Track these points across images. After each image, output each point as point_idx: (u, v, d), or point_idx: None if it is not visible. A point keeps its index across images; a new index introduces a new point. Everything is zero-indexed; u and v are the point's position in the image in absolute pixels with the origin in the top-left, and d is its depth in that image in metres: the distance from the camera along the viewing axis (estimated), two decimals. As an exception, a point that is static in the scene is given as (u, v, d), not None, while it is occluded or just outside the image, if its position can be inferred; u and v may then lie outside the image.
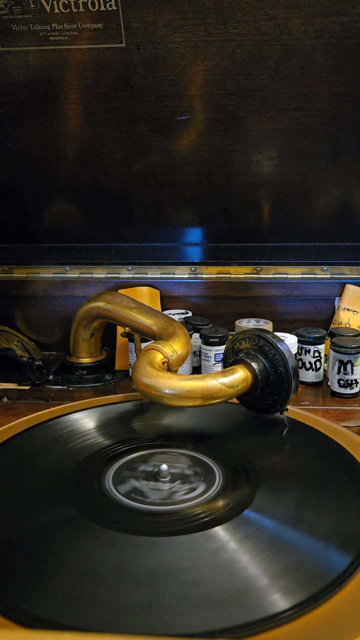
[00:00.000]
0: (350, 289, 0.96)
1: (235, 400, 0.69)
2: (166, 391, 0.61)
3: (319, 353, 0.85)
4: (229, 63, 0.79)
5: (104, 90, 0.83)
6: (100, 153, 0.91)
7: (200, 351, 0.89)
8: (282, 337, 0.83)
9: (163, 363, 0.68)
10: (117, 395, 0.79)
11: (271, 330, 0.91)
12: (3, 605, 0.40)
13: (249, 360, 0.65)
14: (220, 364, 0.85)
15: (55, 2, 0.74)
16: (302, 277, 0.98)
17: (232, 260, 1.00)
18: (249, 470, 0.57)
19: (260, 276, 0.99)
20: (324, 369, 0.87)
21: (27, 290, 1.02)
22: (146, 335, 0.81)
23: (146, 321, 0.80)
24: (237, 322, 0.92)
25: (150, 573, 0.43)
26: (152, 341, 0.73)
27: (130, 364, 0.90)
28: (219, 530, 0.48)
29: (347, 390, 0.81)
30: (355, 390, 0.81)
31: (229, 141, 0.88)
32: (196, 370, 0.91)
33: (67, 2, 0.74)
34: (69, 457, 0.61)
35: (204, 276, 0.99)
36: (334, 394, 0.82)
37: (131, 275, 1.00)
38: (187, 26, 0.75)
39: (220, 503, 0.52)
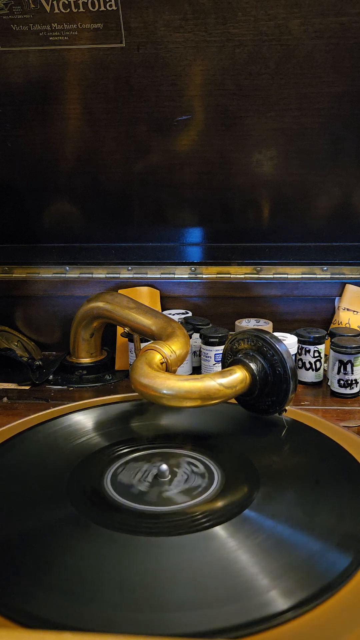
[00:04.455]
0: (350, 289, 0.96)
1: (234, 401, 0.69)
2: (164, 392, 0.61)
3: (319, 353, 0.85)
4: (229, 63, 0.79)
5: (104, 90, 0.83)
6: (100, 153, 0.91)
7: (200, 351, 0.89)
8: (282, 337, 0.83)
9: (162, 363, 0.68)
10: (117, 396, 0.79)
11: (271, 330, 0.92)
12: (3, 605, 0.40)
13: (247, 361, 0.65)
14: (220, 364, 0.85)
15: (55, 2, 0.74)
16: (302, 277, 0.98)
17: (232, 260, 1.00)
18: (248, 471, 0.57)
19: (260, 276, 0.99)
20: (324, 369, 0.87)
21: (27, 290, 1.02)
22: (145, 336, 0.81)
23: (145, 321, 0.80)
24: (237, 322, 0.92)
25: (150, 573, 0.43)
26: (151, 341, 0.73)
27: (130, 364, 0.90)
28: (219, 530, 0.48)
29: (347, 390, 0.81)
30: (355, 390, 0.81)
31: (229, 141, 0.88)
32: (196, 370, 0.91)
33: (67, 2, 0.74)
34: (69, 457, 0.61)
35: (204, 276, 0.99)
36: (334, 394, 0.82)
37: (131, 275, 1.00)
38: (187, 26, 0.75)
39: (220, 503, 0.52)
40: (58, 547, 0.46)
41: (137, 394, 0.65)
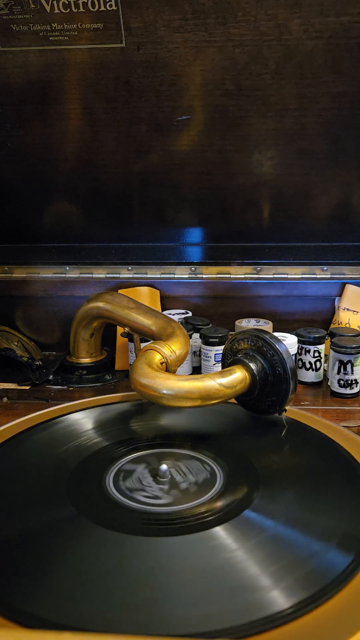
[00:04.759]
0: (350, 289, 0.96)
1: (234, 401, 0.69)
2: (164, 392, 0.61)
3: (319, 353, 0.85)
4: (229, 63, 0.79)
5: (104, 90, 0.83)
6: (100, 153, 0.91)
7: (200, 351, 0.89)
8: (282, 337, 0.83)
9: (161, 363, 0.68)
10: (117, 395, 0.79)
11: (271, 330, 0.91)
12: (3, 605, 0.40)
13: (247, 361, 0.65)
14: (220, 364, 0.85)
15: (55, 2, 0.74)
16: (302, 277, 0.98)
17: (232, 260, 1.00)
18: (248, 471, 0.57)
19: (260, 276, 0.99)
20: (324, 369, 0.87)
21: (27, 290, 1.02)
22: (145, 336, 0.81)
23: (145, 321, 0.80)
24: (237, 322, 0.92)
25: (150, 573, 0.43)
26: (151, 341, 0.73)
27: (130, 364, 0.90)
28: (219, 530, 0.48)
29: (347, 390, 0.81)
30: (355, 390, 0.81)
31: (229, 141, 0.88)
32: (196, 370, 0.91)
33: (67, 2, 0.74)
34: (69, 457, 0.61)
35: (204, 276, 0.99)
36: (334, 394, 0.82)
37: (131, 275, 1.00)
38: (187, 26, 0.75)
39: (220, 503, 0.52)
40: (58, 547, 0.46)
41: (137, 393, 0.65)
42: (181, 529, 0.48)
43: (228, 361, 0.69)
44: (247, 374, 0.64)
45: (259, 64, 0.79)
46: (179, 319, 0.93)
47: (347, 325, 0.94)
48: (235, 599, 0.40)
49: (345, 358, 0.80)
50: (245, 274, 0.99)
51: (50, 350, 1.03)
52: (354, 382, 0.81)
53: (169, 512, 0.51)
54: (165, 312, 0.95)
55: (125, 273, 1.01)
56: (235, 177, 0.92)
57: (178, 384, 0.60)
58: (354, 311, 0.95)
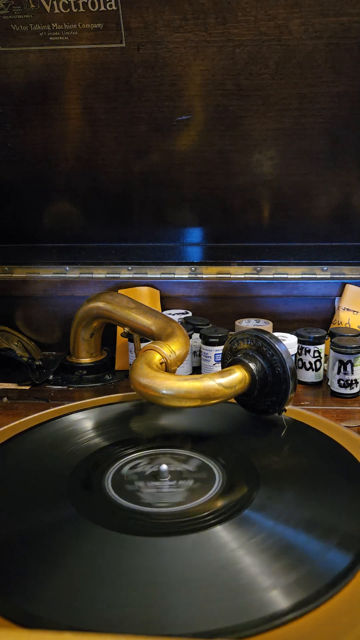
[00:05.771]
0: (350, 289, 0.96)
1: (234, 401, 0.69)
2: (164, 392, 0.61)
3: (319, 353, 0.85)
4: (229, 63, 0.79)
5: (104, 90, 0.83)
6: (100, 153, 0.91)
7: (200, 351, 0.89)
8: (282, 337, 0.83)
9: (161, 363, 0.68)
10: (116, 395, 0.79)
11: (271, 330, 0.91)
12: (3, 605, 0.40)
13: (246, 361, 0.65)
14: (220, 364, 0.85)
15: (55, 2, 0.74)
16: (302, 277, 0.98)
17: (232, 260, 1.00)
18: (248, 470, 0.57)
19: (260, 276, 0.99)
20: (324, 369, 0.87)
21: (27, 290, 1.02)
22: (145, 336, 0.81)
23: (145, 321, 0.80)
24: (237, 322, 0.92)
25: (150, 573, 0.43)
26: (151, 341, 0.73)
27: (130, 364, 0.90)
28: (219, 530, 0.48)
29: (347, 390, 0.81)
30: (355, 390, 0.81)
31: (229, 141, 0.88)
32: (196, 370, 0.91)
33: (67, 2, 0.74)
34: (69, 457, 0.61)
35: (204, 276, 0.99)
36: (334, 394, 0.82)
37: (131, 275, 1.00)
38: (187, 26, 0.75)
39: (220, 503, 0.52)
40: (58, 547, 0.47)
41: (137, 393, 0.65)
42: (181, 529, 0.48)
43: (228, 361, 0.69)
44: (246, 374, 0.64)
45: (259, 64, 0.79)
46: (179, 319, 0.94)
47: (347, 325, 0.94)
48: (235, 599, 0.40)
49: (345, 358, 0.80)
50: (245, 274, 0.99)
51: (50, 350, 1.03)
52: (354, 382, 0.81)
53: (168, 512, 0.51)
54: (165, 312, 0.95)
55: (125, 273, 1.01)
56: (235, 177, 0.92)
57: (177, 384, 0.60)
58: (354, 311, 0.95)
